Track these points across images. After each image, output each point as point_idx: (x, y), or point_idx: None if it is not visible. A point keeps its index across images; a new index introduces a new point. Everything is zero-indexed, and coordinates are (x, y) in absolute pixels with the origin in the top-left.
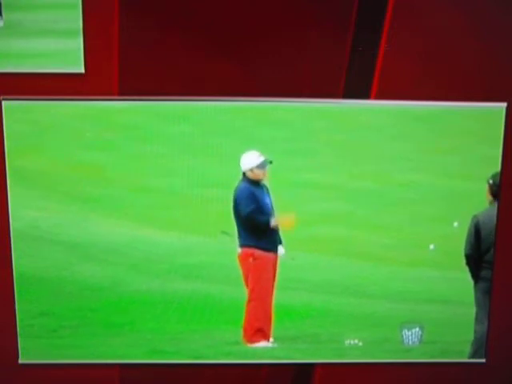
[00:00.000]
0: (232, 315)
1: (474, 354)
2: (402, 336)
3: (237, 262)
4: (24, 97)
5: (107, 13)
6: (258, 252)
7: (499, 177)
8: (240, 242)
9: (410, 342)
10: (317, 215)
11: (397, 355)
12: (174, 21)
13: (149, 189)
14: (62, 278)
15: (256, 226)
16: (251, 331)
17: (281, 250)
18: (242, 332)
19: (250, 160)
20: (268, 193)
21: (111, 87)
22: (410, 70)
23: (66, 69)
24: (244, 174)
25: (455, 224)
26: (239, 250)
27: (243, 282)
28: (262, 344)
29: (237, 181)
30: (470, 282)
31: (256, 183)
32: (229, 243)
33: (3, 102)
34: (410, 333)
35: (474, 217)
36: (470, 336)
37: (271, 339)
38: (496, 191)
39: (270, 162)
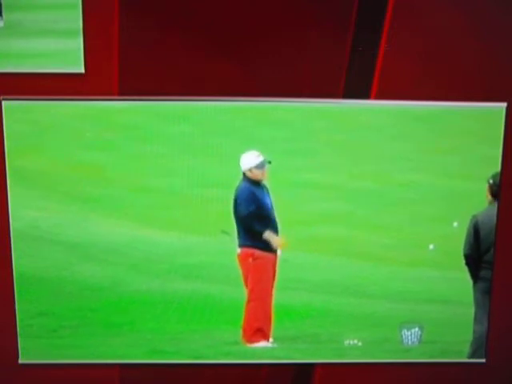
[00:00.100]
0: (232, 315)
1: (473, 354)
2: (402, 336)
3: (237, 262)
4: (24, 97)
5: (107, 13)
6: (257, 252)
7: (499, 177)
8: (240, 242)
9: (410, 342)
10: (317, 215)
11: (396, 355)
12: (174, 21)
13: (149, 189)
14: (61, 278)
15: (252, 229)
16: (251, 331)
17: (278, 250)
18: (241, 332)
19: (248, 160)
20: (268, 193)
21: (111, 87)
22: (410, 70)
23: (66, 69)
24: (244, 174)
25: (455, 224)
26: (239, 250)
27: (243, 282)
28: (262, 344)
29: (237, 181)
30: (470, 282)
31: (256, 183)
32: (229, 243)
33: (3, 102)
34: (409, 333)
35: (474, 217)
36: (470, 336)
37: (271, 339)
38: (496, 191)
39: (269, 162)
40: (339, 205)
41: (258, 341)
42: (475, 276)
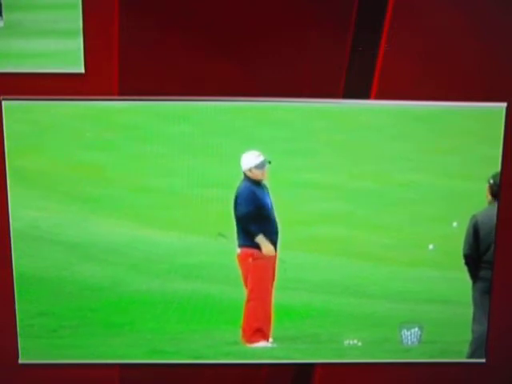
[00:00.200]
0: (232, 315)
1: (472, 354)
2: (402, 336)
3: (236, 262)
4: (24, 97)
5: (107, 13)
6: (257, 252)
7: (499, 177)
8: (239, 242)
9: (410, 342)
10: (317, 215)
11: (396, 355)
12: (174, 21)
13: (149, 189)
14: (62, 278)
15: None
16: (250, 331)
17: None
18: (240, 332)
19: (248, 160)
20: (268, 193)
21: (111, 87)
22: (410, 70)
23: (66, 69)
24: (245, 173)
25: (454, 224)
26: (239, 250)
27: (242, 283)
28: (262, 344)
29: (237, 181)
30: (470, 282)
31: (257, 183)
32: (228, 243)
33: (3, 102)
34: (409, 333)
35: (473, 217)
36: (469, 336)
37: (270, 339)
38: (496, 191)
39: (269, 162)
40: (339, 205)
41: (257, 341)
42: (474, 276)
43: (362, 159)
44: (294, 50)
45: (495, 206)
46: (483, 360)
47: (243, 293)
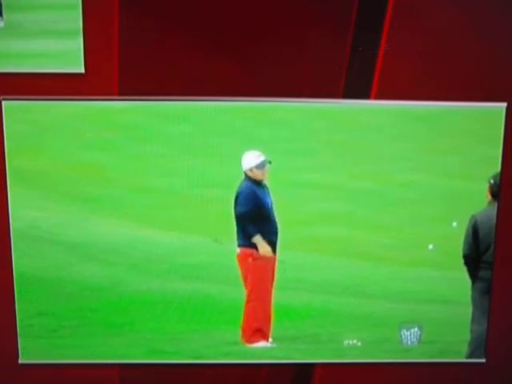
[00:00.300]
0: (232, 315)
1: (471, 354)
2: (401, 336)
3: (236, 263)
4: (24, 97)
5: (107, 13)
6: (256, 252)
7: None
8: (239, 241)
9: (409, 342)
10: (317, 215)
11: (396, 355)
12: (174, 21)
13: (149, 189)
14: (61, 278)
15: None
16: (250, 331)
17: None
18: (240, 332)
19: (249, 160)
20: (269, 193)
21: (111, 87)
22: (410, 70)
23: (66, 69)
24: (245, 173)
25: (454, 224)
26: (238, 250)
27: (242, 283)
28: (261, 344)
29: (237, 181)
30: (470, 282)
31: (258, 183)
32: (228, 243)
33: (3, 102)
34: (408, 333)
35: (472, 217)
36: (469, 336)
37: (270, 339)
38: (496, 191)
39: (270, 163)
40: (339, 205)
41: (257, 341)
42: (474, 276)
43: (362, 159)
44: (294, 50)
45: (495, 206)
46: (483, 360)
47: (243, 293)
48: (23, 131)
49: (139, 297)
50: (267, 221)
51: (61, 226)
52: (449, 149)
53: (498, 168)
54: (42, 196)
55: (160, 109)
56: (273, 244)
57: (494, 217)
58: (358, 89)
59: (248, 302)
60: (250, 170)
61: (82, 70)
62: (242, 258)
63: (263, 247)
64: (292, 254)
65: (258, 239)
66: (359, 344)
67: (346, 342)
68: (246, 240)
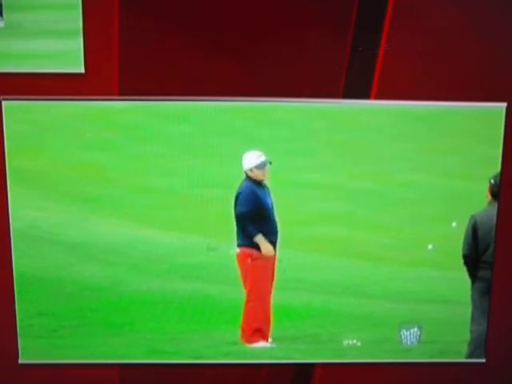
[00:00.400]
0: (232, 315)
1: (471, 355)
2: (401, 336)
3: (236, 263)
4: (24, 97)
5: (107, 13)
6: (256, 252)
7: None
8: (239, 241)
9: (409, 342)
10: (317, 215)
11: (396, 355)
12: (174, 21)
13: (149, 189)
14: (61, 278)
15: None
16: (249, 331)
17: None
18: (240, 332)
19: (249, 160)
20: (269, 193)
21: (111, 87)
22: (410, 70)
23: (66, 69)
24: (246, 173)
25: (454, 224)
26: (238, 250)
27: (242, 283)
28: (261, 344)
29: (237, 181)
30: (469, 282)
31: (258, 183)
32: (222, 248)
33: (3, 102)
34: (408, 333)
35: (472, 217)
36: (468, 336)
37: (270, 339)
38: (496, 191)
39: (270, 163)
40: (339, 205)
41: (256, 341)
42: (473, 276)
43: (362, 159)
44: (294, 50)
45: (495, 206)
46: (483, 360)
47: (243, 293)
48: (23, 131)
49: (139, 297)
50: (267, 221)
51: (61, 226)
52: (449, 149)
53: (498, 168)
54: (42, 196)
55: (160, 109)
56: (273, 244)
57: (494, 217)
58: (358, 89)
59: (248, 301)
60: (251, 170)
61: (82, 70)
62: (241, 258)
63: (266, 247)
64: (292, 254)
65: (260, 239)
66: (359, 344)
67: (345, 342)
68: (245, 240)
